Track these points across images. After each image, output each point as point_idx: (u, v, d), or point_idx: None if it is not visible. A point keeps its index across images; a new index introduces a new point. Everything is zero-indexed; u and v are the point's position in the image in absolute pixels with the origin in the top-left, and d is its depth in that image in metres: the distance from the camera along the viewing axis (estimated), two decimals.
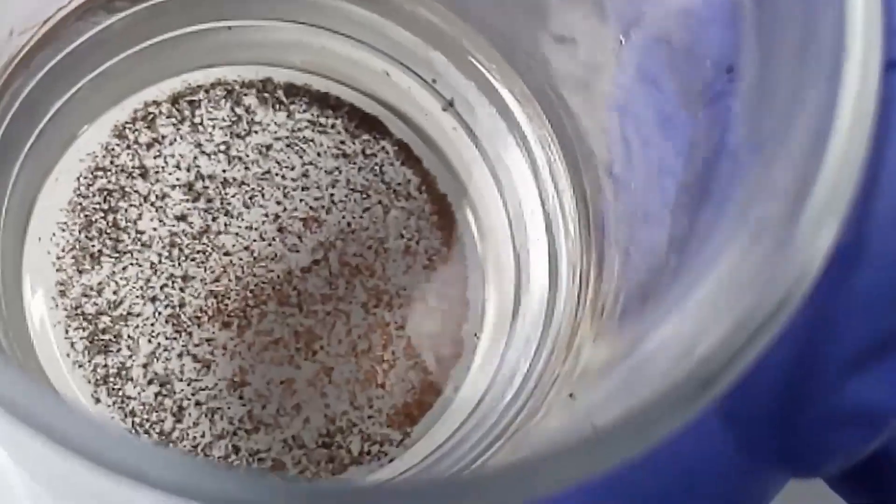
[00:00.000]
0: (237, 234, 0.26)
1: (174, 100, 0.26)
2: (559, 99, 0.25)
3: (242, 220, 0.26)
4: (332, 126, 0.26)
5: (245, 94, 0.26)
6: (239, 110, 0.26)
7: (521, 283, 0.26)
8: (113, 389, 0.25)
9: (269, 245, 0.26)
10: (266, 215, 0.26)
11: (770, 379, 0.21)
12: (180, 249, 0.25)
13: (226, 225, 0.26)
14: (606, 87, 0.23)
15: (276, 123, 0.26)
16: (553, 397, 0.24)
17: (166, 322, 0.25)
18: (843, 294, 0.20)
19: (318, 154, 0.26)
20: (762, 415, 0.21)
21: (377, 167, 0.26)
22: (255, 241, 0.26)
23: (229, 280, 0.25)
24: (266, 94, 0.26)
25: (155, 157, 0.26)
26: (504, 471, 0.14)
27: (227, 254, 0.25)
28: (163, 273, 0.25)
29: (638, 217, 0.23)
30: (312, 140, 0.26)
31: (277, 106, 0.26)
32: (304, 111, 0.26)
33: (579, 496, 0.17)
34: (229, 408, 0.25)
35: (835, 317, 0.21)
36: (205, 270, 0.25)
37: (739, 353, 0.15)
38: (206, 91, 0.26)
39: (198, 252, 0.25)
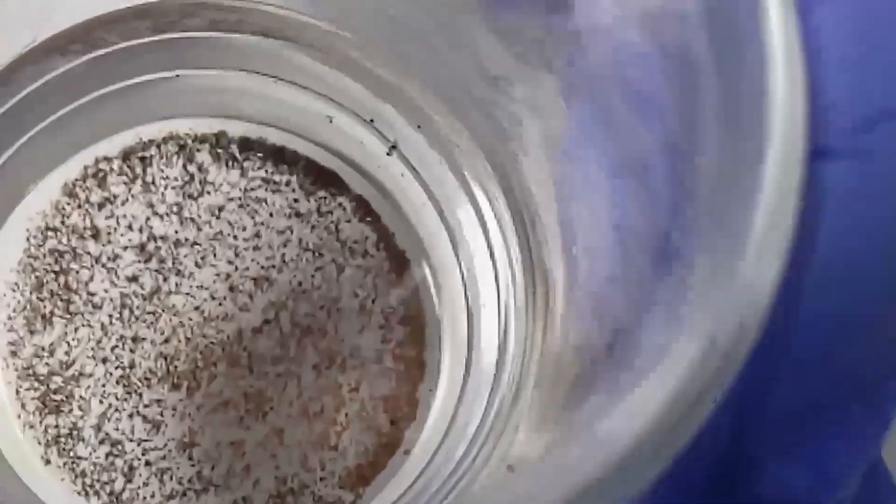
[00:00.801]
0: (188, 293, 0.25)
1: (125, 156, 0.25)
2: (508, 157, 0.24)
3: (193, 279, 0.25)
4: (287, 183, 0.26)
5: (198, 150, 0.26)
6: (191, 168, 0.26)
7: (474, 339, 0.26)
8: (64, 450, 0.25)
9: (220, 305, 0.25)
10: (217, 275, 0.25)
11: (702, 461, 0.21)
12: (131, 311, 0.25)
13: (177, 285, 0.25)
14: (553, 145, 0.23)
15: (228, 183, 0.26)
16: (494, 466, 0.23)
17: (117, 383, 0.25)
18: (768, 374, 0.20)
19: (271, 214, 0.26)
20: (694, 496, 0.21)
21: (332, 225, 0.26)
22: (205, 300, 0.25)
23: (179, 341, 0.25)
24: (220, 150, 0.26)
25: (107, 218, 0.25)
26: None
27: (177, 314, 0.25)
28: (113, 334, 0.25)
29: (580, 283, 0.23)
30: (265, 200, 0.26)
31: (231, 163, 0.26)
32: (259, 167, 0.26)
33: None
34: (179, 468, 0.25)
35: (760, 398, 0.21)
36: (155, 331, 0.25)
37: (689, 413, 0.15)
38: (159, 146, 0.26)
39: (148, 313, 0.25)
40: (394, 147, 0.26)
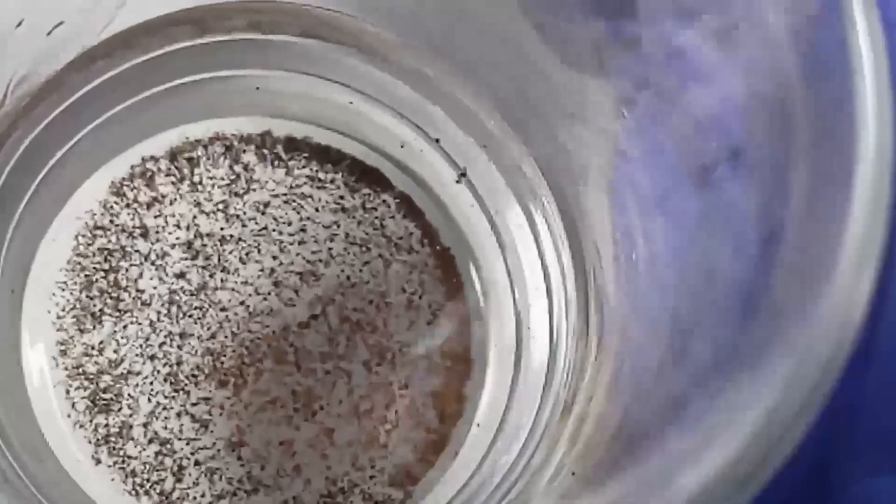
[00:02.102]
0: (233, 289, 0.25)
1: (172, 156, 0.26)
2: (562, 166, 0.24)
3: (239, 275, 0.25)
4: (332, 181, 0.26)
5: (244, 151, 0.26)
6: (237, 168, 0.26)
7: (522, 340, 0.26)
8: (114, 449, 0.25)
9: (265, 300, 0.25)
10: (262, 270, 0.25)
11: (789, 484, 0.20)
12: (178, 307, 0.25)
13: (223, 280, 0.25)
14: (605, 161, 0.23)
15: (274, 181, 0.26)
16: (554, 472, 0.23)
17: (165, 380, 0.25)
18: (857, 399, 0.20)
19: (316, 209, 0.26)
20: None
21: (377, 220, 0.26)
22: (250, 295, 0.25)
23: (225, 336, 0.25)
24: (265, 150, 0.26)
25: (155, 217, 0.25)
26: None
27: (223, 309, 0.25)
28: (161, 331, 0.25)
29: (637, 306, 0.22)
30: (311, 196, 0.26)
31: (276, 162, 0.26)
32: (303, 167, 0.26)
33: None
34: (228, 468, 0.25)
35: (851, 419, 0.20)
36: (202, 327, 0.25)
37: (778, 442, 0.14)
38: (205, 147, 0.26)
39: (195, 308, 0.25)
40: (463, 175, 0.26)
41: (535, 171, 0.25)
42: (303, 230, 0.26)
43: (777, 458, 0.14)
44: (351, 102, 0.26)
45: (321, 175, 0.26)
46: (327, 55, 0.26)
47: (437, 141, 0.26)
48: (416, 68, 0.26)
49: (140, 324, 0.25)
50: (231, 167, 0.26)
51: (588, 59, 0.22)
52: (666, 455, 0.18)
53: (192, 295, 0.25)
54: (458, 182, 0.26)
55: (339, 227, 0.26)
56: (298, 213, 0.26)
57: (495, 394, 0.26)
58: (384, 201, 0.26)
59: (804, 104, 0.16)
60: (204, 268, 0.25)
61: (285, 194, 0.26)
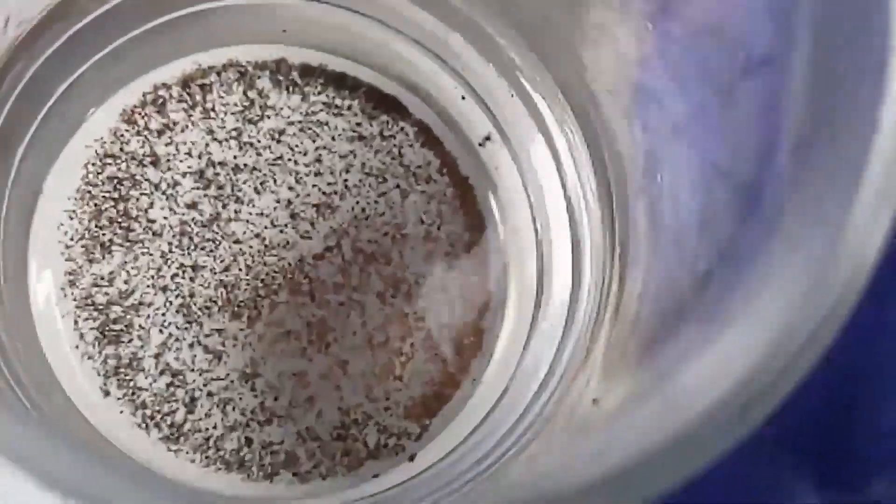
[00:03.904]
0: (248, 221, 0.25)
1: (185, 83, 0.25)
2: (584, 89, 0.24)
3: (253, 206, 0.25)
4: (349, 108, 0.25)
5: (258, 77, 0.25)
6: (252, 94, 0.25)
7: (544, 274, 0.25)
8: (124, 381, 0.24)
9: (281, 232, 0.25)
10: (278, 201, 0.25)
11: (812, 404, 0.20)
12: (190, 238, 0.25)
13: (236, 212, 0.25)
14: (632, 78, 0.22)
15: (289, 107, 0.25)
16: (575, 400, 0.22)
17: (177, 312, 0.24)
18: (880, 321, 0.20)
19: (333, 138, 0.25)
20: (805, 439, 0.20)
21: (395, 149, 0.25)
22: (265, 228, 0.25)
23: (239, 269, 0.25)
24: (280, 77, 0.25)
25: (166, 145, 0.25)
26: None
27: (237, 241, 0.25)
28: (173, 262, 0.25)
29: (666, 221, 0.22)
30: (327, 123, 0.25)
31: (291, 88, 0.25)
32: (320, 93, 0.25)
33: None
34: (241, 399, 0.24)
35: (872, 339, 0.20)
36: (215, 259, 0.25)
37: (792, 364, 0.14)
38: (218, 73, 0.25)
39: (208, 240, 0.25)
40: (487, 139, 0.26)
41: (557, 97, 0.25)
42: (318, 160, 0.25)
43: (792, 377, 0.14)
44: (368, 30, 0.25)
45: (338, 101, 0.25)
46: None
47: (487, 138, 0.25)
48: None
49: (151, 255, 0.25)
50: (245, 93, 0.25)
51: None
52: (688, 376, 0.17)
53: (203, 226, 0.25)
54: (481, 145, 0.26)
55: (355, 156, 0.25)
56: (314, 141, 0.25)
57: (515, 328, 0.25)
58: (402, 129, 0.25)
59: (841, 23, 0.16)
60: (217, 198, 0.25)
61: (300, 122, 0.25)
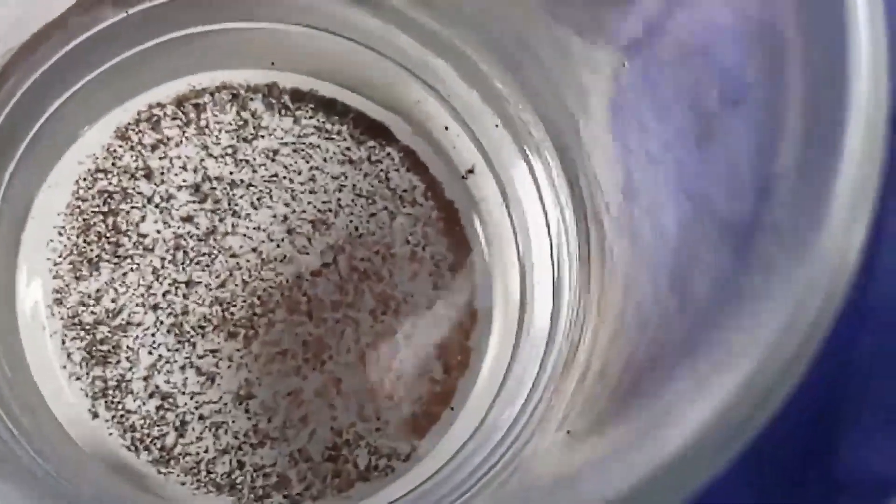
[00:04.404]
0: (245, 234, 0.25)
1: (179, 102, 0.25)
2: (563, 115, 0.25)
3: (250, 220, 0.25)
4: (338, 132, 0.26)
5: (251, 99, 0.25)
6: (245, 115, 0.25)
7: (527, 293, 0.26)
8: (112, 403, 0.24)
9: (278, 246, 0.25)
10: (274, 216, 0.25)
11: (787, 437, 0.21)
12: (185, 252, 0.24)
13: (233, 226, 0.25)
14: (607, 112, 0.23)
15: (282, 129, 0.25)
16: (553, 433, 0.23)
17: (168, 332, 0.24)
18: (852, 359, 0.20)
19: (325, 159, 0.25)
20: (778, 471, 0.21)
21: (382, 173, 0.26)
22: (263, 242, 0.25)
23: (235, 285, 0.24)
24: (272, 99, 0.26)
25: (160, 159, 0.25)
26: None
27: (233, 256, 0.25)
28: (165, 279, 0.24)
29: (639, 251, 0.23)
30: (318, 146, 0.26)
31: (283, 111, 0.26)
32: (310, 117, 0.26)
33: None
34: (234, 421, 0.24)
35: (845, 381, 0.21)
36: (210, 275, 0.24)
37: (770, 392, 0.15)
38: (212, 94, 0.25)
39: (203, 255, 0.24)
40: (470, 171, 0.26)
41: (537, 124, 0.26)
42: (312, 179, 0.25)
43: (770, 405, 0.15)
44: (358, 57, 0.26)
45: (328, 126, 0.26)
46: (336, 9, 0.26)
47: (470, 171, 0.26)
48: (423, 23, 0.26)
49: (141, 271, 0.24)
50: (238, 113, 0.25)
51: (589, 13, 0.23)
52: (665, 401, 0.18)
53: (199, 240, 0.24)
54: (464, 178, 0.26)
55: (346, 178, 0.25)
56: (308, 161, 0.25)
57: (500, 346, 0.26)
58: (388, 154, 0.26)
59: (800, 54, 0.17)
60: (213, 212, 0.25)
61: (294, 143, 0.25)
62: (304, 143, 0.25)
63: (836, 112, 0.15)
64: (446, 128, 0.26)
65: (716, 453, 0.15)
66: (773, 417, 0.15)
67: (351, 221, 0.25)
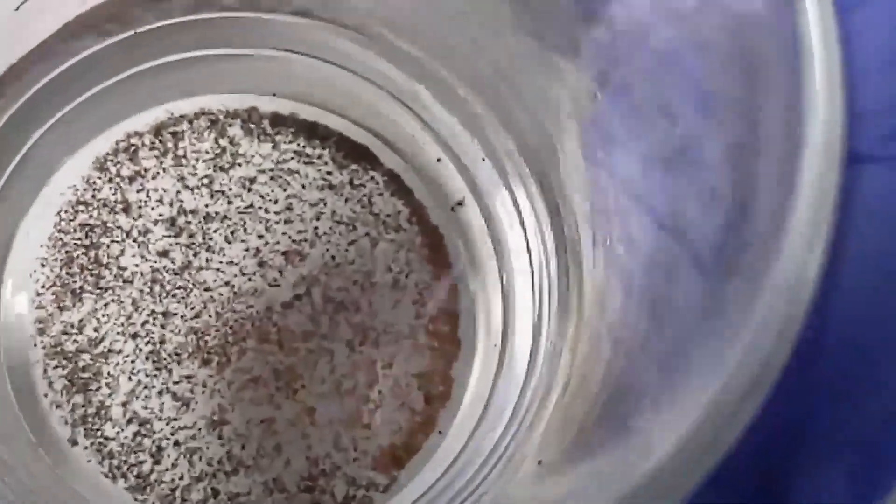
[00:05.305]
0: (218, 269, 0.25)
1: (157, 131, 0.25)
2: (541, 142, 0.24)
3: (224, 255, 0.25)
4: (319, 156, 0.26)
5: (229, 125, 0.25)
6: (223, 142, 0.25)
7: (509, 321, 0.25)
8: (91, 430, 0.24)
9: (250, 280, 0.25)
10: (247, 250, 0.25)
11: (745, 466, 0.20)
12: (161, 285, 0.25)
13: (207, 260, 0.25)
14: (581, 136, 0.22)
15: (260, 155, 0.25)
16: (528, 460, 0.22)
17: (146, 359, 0.24)
18: (802, 387, 0.20)
19: (303, 186, 0.25)
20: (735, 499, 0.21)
21: (365, 198, 0.25)
22: (235, 276, 0.25)
23: (209, 316, 0.25)
24: (251, 125, 0.25)
25: (138, 192, 0.25)
26: None
27: (207, 289, 0.25)
28: (144, 310, 0.25)
29: (614, 275, 0.22)
30: (297, 171, 0.25)
31: (262, 136, 0.25)
32: (291, 141, 0.26)
33: None
34: (208, 448, 0.24)
35: (799, 417, 0.20)
36: (185, 306, 0.25)
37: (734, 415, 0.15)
38: (190, 122, 0.25)
39: (178, 288, 0.25)
40: (460, 203, 0.26)
41: (516, 153, 0.25)
42: (289, 208, 0.25)
43: (729, 435, 0.15)
44: (339, 81, 0.26)
45: (308, 150, 0.26)
46: (316, 34, 0.25)
47: (459, 203, 0.26)
48: (403, 49, 0.25)
49: (122, 302, 0.25)
50: (216, 140, 0.25)
51: (563, 41, 0.22)
52: (637, 427, 0.18)
53: (175, 274, 0.25)
54: (452, 211, 0.26)
55: (325, 204, 0.25)
56: (285, 189, 0.25)
57: (482, 375, 0.25)
58: (372, 178, 0.26)
59: (771, 82, 0.16)
60: (188, 246, 0.25)
61: (272, 170, 0.25)
62: (282, 170, 0.25)
63: (793, 150, 0.15)
64: (438, 159, 0.26)
65: (681, 479, 0.15)
66: (732, 446, 0.15)
67: (328, 250, 0.25)
